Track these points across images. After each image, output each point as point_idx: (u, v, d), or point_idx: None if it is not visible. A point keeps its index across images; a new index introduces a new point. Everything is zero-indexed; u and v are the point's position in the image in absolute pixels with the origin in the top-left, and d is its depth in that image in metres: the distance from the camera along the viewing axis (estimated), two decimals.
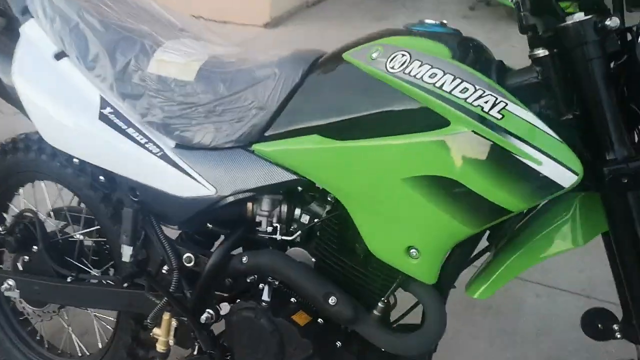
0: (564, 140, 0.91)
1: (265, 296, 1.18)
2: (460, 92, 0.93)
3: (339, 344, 1.17)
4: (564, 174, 0.91)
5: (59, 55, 1.29)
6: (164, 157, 1.21)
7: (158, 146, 1.21)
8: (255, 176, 1.15)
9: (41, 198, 1.60)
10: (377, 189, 1.01)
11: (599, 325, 1.14)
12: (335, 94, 1.08)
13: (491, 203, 0.93)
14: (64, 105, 1.27)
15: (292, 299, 1.20)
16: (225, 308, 1.24)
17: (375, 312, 1.11)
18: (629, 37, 0.92)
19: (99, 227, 1.47)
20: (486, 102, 0.92)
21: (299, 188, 1.18)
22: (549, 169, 0.91)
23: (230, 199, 1.17)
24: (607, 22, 0.87)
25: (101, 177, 1.33)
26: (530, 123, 0.91)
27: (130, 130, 1.23)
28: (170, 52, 1.23)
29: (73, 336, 1.68)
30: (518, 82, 0.96)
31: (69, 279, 1.45)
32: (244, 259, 1.20)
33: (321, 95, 1.10)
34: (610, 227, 0.97)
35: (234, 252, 1.23)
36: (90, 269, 1.49)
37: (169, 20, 1.37)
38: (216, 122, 1.17)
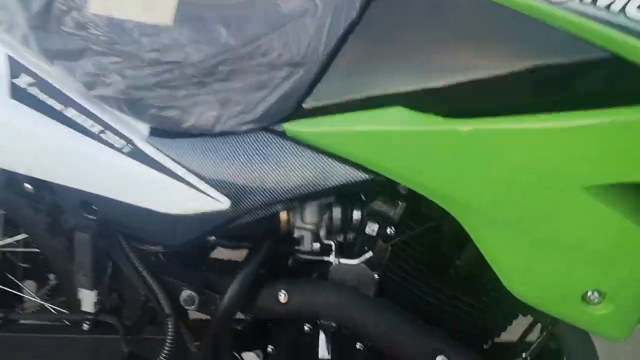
0: None
1: (323, 352, 0.79)
2: None
3: None
4: None
5: None
6: (134, 154, 0.74)
7: (122, 135, 0.74)
8: (294, 174, 0.73)
9: None
10: (533, 203, 0.62)
11: None
12: (433, 33, 0.65)
13: None
14: None
15: (357, 345, 0.82)
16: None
17: None
18: None
19: (26, 235, 1.00)
20: None
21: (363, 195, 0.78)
22: None
23: (254, 213, 0.75)
24: None
25: (27, 185, 0.84)
26: None
27: (69, 112, 0.74)
28: None
29: None
30: None
31: None
32: (282, 297, 0.79)
33: (401, 36, 0.67)
34: None
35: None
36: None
37: None
38: (220, 92, 0.71)
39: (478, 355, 0.79)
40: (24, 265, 1.08)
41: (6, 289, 1.04)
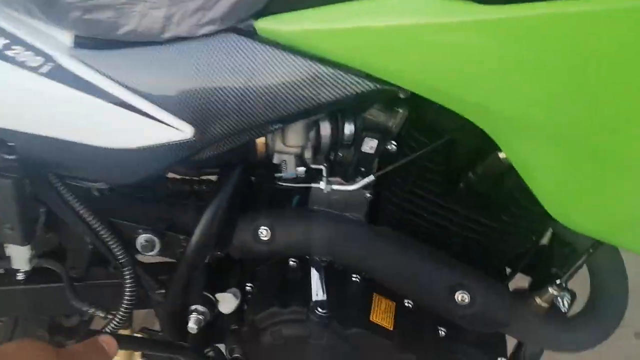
0: None
1: (317, 291, 0.68)
2: None
3: (442, 332, 0.74)
4: None
5: None
6: (54, 73, 0.55)
7: (36, 50, 0.54)
8: (273, 88, 0.56)
9: None
10: (592, 107, 0.49)
11: None
12: None
13: None
14: None
15: (354, 277, 0.72)
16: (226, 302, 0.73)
17: (539, 301, 0.68)
18: None
19: None
20: None
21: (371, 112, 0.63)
22: None
23: (224, 141, 0.59)
24: None
25: None
26: None
27: None
28: None
29: None
30: None
31: None
32: (264, 233, 0.66)
33: None
34: None
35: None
36: None
37: None
38: None
39: (505, 288, 0.70)
40: None
41: None
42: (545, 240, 0.73)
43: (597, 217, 0.56)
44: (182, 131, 0.57)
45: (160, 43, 0.55)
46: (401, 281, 0.67)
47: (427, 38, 0.50)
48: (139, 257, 0.72)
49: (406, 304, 0.72)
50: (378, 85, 0.55)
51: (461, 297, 0.66)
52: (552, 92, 0.49)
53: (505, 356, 0.73)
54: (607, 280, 0.69)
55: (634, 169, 0.51)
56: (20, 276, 0.77)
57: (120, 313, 0.72)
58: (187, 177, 0.72)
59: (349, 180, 0.66)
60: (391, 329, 0.68)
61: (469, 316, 0.67)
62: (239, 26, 0.55)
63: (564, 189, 0.55)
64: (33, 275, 0.76)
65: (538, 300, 0.68)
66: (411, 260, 0.66)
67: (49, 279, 0.77)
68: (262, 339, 0.69)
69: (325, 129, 0.63)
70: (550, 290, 0.67)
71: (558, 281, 0.66)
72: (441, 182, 0.65)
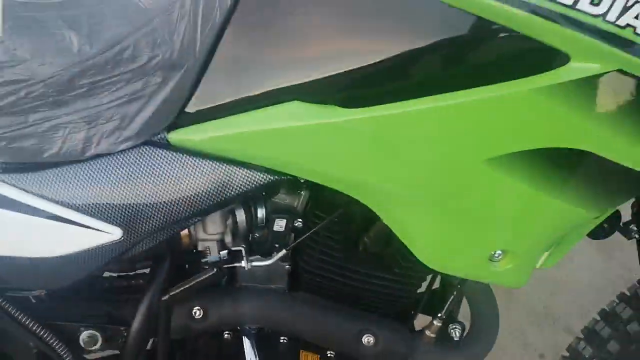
0: None
1: (250, 357, 0.74)
2: (591, 4, 0.53)
3: None
4: None
5: None
6: None
7: None
8: (188, 189, 0.64)
9: None
10: (441, 179, 0.61)
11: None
12: (321, 20, 0.59)
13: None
14: None
15: (282, 339, 0.79)
16: None
17: (428, 333, 0.77)
18: None
19: None
20: None
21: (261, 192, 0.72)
22: None
23: (152, 238, 0.66)
24: None
25: None
26: None
27: None
28: None
29: None
30: None
31: None
32: (197, 313, 0.73)
33: (288, 24, 0.59)
34: None
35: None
36: None
37: None
38: (85, 110, 0.60)
39: (401, 325, 0.80)
40: None
41: None
42: (437, 284, 0.84)
43: (456, 260, 0.69)
44: (111, 234, 0.63)
45: (83, 160, 0.63)
46: (319, 335, 0.77)
47: (309, 137, 0.60)
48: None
49: (328, 355, 0.81)
50: (277, 177, 0.64)
51: (367, 339, 0.77)
52: (412, 171, 0.60)
53: None
54: (481, 309, 0.84)
55: (474, 221, 0.62)
56: None
57: None
58: (122, 274, 0.78)
59: (267, 256, 0.74)
60: None
61: (377, 354, 0.77)
62: (154, 139, 0.63)
63: (429, 242, 0.67)
64: None
65: (428, 332, 0.81)
66: (324, 317, 0.76)
67: None
68: None
69: (241, 215, 0.71)
70: (435, 323, 0.80)
71: (439, 315, 0.79)
72: (342, 249, 0.75)
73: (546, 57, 0.55)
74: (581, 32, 0.53)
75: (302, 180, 0.67)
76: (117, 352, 0.76)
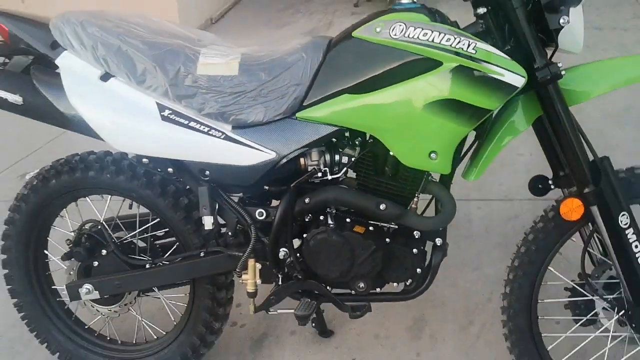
0: (513, 59, 1.38)
1: (330, 221, 1.56)
2: (446, 41, 1.37)
3: (388, 240, 1.59)
4: (517, 79, 1.37)
5: (105, 77, 1.56)
6: (227, 138, 1.53)
7: (219, 131, 1.53)
8: (304, 135, 1.51)
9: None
10: (405, 119, 1.42)
11: (539, 186, 1.64)
12: (354, 62, 1.47)
13: (479, 108, 1.38)
14: (127, 116, 1.54)
15: (347, 219, 1.59)
16: (295, 243, 1.60)
17: (412, 206, 1.54)
18: None
19: (157, 219, 1.75)
20: (464, 45, 1.37)
21: (334, 139, 1.57)
22: (508, 77, 1.36)
23: (288, 157, 1.53)
24: None
25: (169, 169, 1.62)
26: (492, 52, 1.37)
27: (192, 124, 1.53)
28: (209, 57, 1.54)
29: (145, 323, 1.94)
30: (472, 31, 1.43)
31: (147, 266, 1.72)
32: (307, 200, 1.56)
33: (342, 65, 1.48)
34: (543, 109, 1.46)
35: None
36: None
37: (184, 33, 1.67)
38: (264, 102, 1.51)
39: (405, 208, 1.55)
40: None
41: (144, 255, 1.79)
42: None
43: (415, 159, 1.46)
44: (270, 154, 1.51)
45: (263, 124, 1.53)
46: (360, 208, 1.55)
47: (359, 110, 1.46)
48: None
49: (370, 227, 1.58)
50: (346, 129, 1.49)
51: (382, 206, 1.52)
52: (395, 121, 1.43)
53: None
54: (442, 197, 1.55)
55: (421, 139, 1.42)
56: (201, 254, 1.68)
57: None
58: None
59: (339, 172, 1.57)
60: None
61: (386, 214, 1.52)
62: (290, 116, 1.53)
63: (404, 151, 1.46)
64: (205, 254, 1.68)
65: (414, 206, 1.55)
66: (364, 197, 1.54)
67: (214, 254, 1.68)
68: None
69: (327, 155, 1.56)
70: (412, 205, 1.54)
71: (416, 196, 1.53)
72: (372, 165, 1.55)
73: (433, 64, 1.38)
74: (447, 52, 1.36)
75: (358, 141, 1.53)
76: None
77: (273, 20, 5.59)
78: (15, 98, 1.59)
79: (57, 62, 1.57)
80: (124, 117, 1.55)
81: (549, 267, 1.60)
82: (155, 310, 2.05)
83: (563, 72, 1.39)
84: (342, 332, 2.07)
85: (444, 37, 1.37)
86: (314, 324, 2.04)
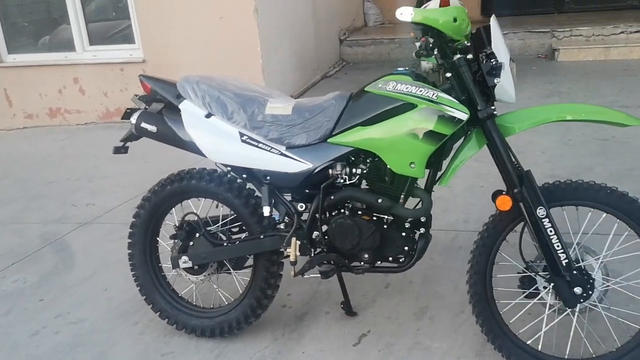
0: (464, 105, 2.13)
1: (346, 212, 2.32)
2: (419, 92, 2.15)
3: (385, 226, 2.31)
4: (462, 115, 2.10)
5: (208, 115, 2.45)
6: (282, 154, 2.35)
7: (277, 149, 2.36)
8: (331, 153, 2.30)
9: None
10: (394, 141, 2.18)
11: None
12: (365, 106, 2.26)
13: (439, 133, 2.12)
14: (220, 140, 2.41)
15: (359, 211, 2.33)
16: (324, 228, 2.36)
17: (400, 201, 2.27)
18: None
19: (235, 215, 2.57)
20: (430, 94, 2.14)
21: (352, 157, 2.35)
22: (457, 114, 2.10)
23: (320, 167, 2.31)
24: (468, 56, 2.13)
25: (244, 175, 2.45)
26: (447, 98, 2.13)
27: (260, 145, 2.38)
28: (274, 103, 2.41)
29: (220, 293, 2.72)
30: (442, 88, 2.20)
31: (225, 244, 2.52)
32: (332, 197, 2.33)
33: (358, 108, 2.28)
34: (487, 139, 2.17)
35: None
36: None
37: (259, 89, 2.55)
38: (307, 132, 2.33)
39: (395, 202, 2.28)
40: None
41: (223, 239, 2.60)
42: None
43: (402, 168, 2.21)
44: (309, 165, 2.31)
45: (305, 145, 2.34)
46: (367, 202, 2.29)
47: (366, 138, 2.25)
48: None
49: (373, 217, 2.31)
50: (359, 149, 2.27)
51: (380, 200, 2.25)
52: (386, 144, 2.21)
53: None
54: (422, 197, 2.27)
55: (404, 154, 2.18)
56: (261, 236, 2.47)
57: None
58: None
59: (353, 179, 2.34)
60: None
61: (384, 206, 2.26)
62: (322, 141, 2.33)
63: (394, 161, 2.21)
64: (265, 236, 2.47)
65: (401, 201, 2.26)
66: (371, 195, 2.28)
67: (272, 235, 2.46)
68: None
69: (347, 167, 2.34)
70: (401, 201, 2.26)
71: (403, 194, 2.25)
72: (374, 173, 2.30)
73: (411, 106, 2.15)
74: (419, 99, 2.13)
75: (368, 159, 2.30)
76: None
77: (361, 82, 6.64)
78: (152, 128, 2.51)
79: (180, 106, 2.49)
80: (218, 140, 2.42)
81: (504, 254, 2.25)
82: (226, 284, 2.83)
83: (496, 112, 2.12)
84: (363, 314, 2.75)
85: (418, 89, 2.15)
86: (342, 306, 2.73)
